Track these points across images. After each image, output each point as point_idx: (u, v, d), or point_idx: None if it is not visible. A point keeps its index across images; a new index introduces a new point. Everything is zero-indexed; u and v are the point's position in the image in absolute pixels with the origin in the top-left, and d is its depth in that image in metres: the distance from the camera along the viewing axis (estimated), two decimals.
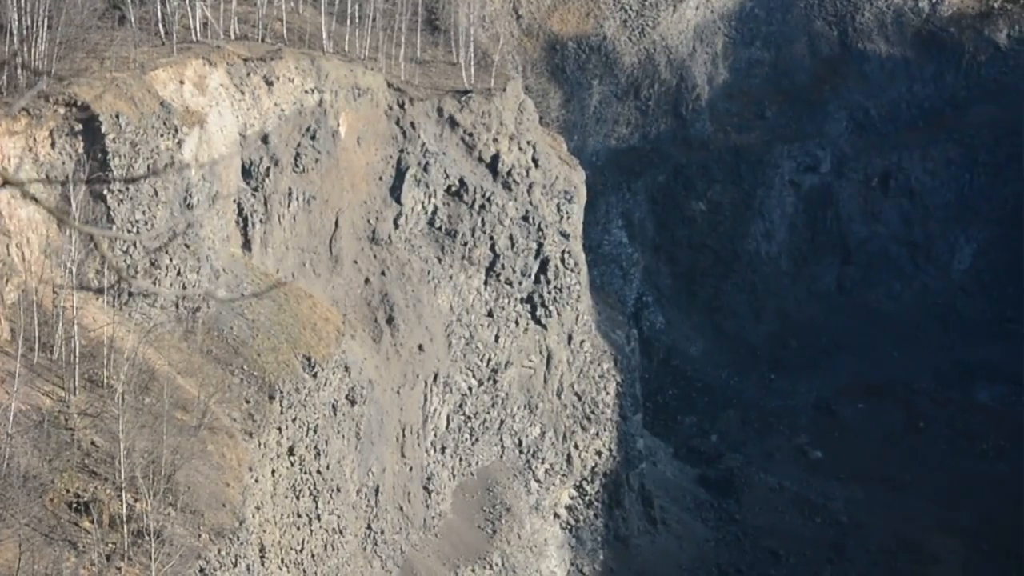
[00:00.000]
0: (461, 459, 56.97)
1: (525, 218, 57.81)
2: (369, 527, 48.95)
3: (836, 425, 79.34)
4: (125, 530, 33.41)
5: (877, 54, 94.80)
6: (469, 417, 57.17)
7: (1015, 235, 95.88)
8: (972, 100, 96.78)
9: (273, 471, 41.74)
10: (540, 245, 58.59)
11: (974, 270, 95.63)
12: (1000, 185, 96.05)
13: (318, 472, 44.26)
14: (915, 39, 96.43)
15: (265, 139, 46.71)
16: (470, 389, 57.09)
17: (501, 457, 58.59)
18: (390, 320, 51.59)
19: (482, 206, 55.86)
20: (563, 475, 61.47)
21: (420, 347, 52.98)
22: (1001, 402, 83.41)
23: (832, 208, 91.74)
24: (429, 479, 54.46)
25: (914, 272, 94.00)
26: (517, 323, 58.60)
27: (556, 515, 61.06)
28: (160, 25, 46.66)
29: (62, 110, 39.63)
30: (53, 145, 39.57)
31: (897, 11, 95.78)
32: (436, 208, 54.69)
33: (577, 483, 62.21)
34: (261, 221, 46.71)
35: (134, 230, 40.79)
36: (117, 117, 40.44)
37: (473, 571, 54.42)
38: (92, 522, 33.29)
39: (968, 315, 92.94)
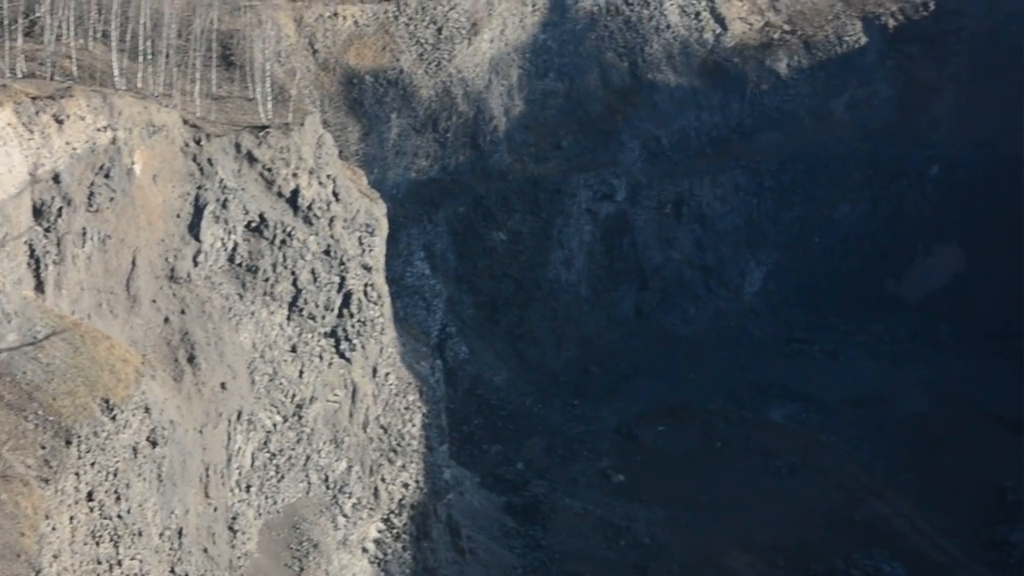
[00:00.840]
0: (267, 497, 56.37)
1: (327, 252, 57.65)
2: (173, 571, 48.03)
3: (637, 448, 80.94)
4: None
5: (666, 84, 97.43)
6: (274, 454, 56.63)
7: (801, 258, 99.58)
8: (757, 128, 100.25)
9: (71, 518, 40.67)
10: (343, 279, 58.49)
11: (764, 292, 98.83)
12: (786, 209, 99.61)
13: (119, 516, 43.28)
14: (701, 69, 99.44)
15: (56, 178, 45.62)
16: (275, 426, 56.55)
17: (307, 493, 58.16)
18: (191, 359, 50.81)
19: (283, 241, 55.52)
20: (370, 509, 61.32)
21: (223, 385, 52.29)
22: (792, 420, 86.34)
23: (628, 235, 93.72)
24: (234, 519, 53.73)
25: (707, 296, 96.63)
26: (321, 358, 58.32)
27: (364, 549, 60.84)
28: None
29: None
30: None
31: (683, 42, 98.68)
32: (236, 244, 54.12)
33: (384, 516, 62.10)
34: (54, 262, 45.56)
35: None
36: None
37: None
38: None
39: (759, 336, 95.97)
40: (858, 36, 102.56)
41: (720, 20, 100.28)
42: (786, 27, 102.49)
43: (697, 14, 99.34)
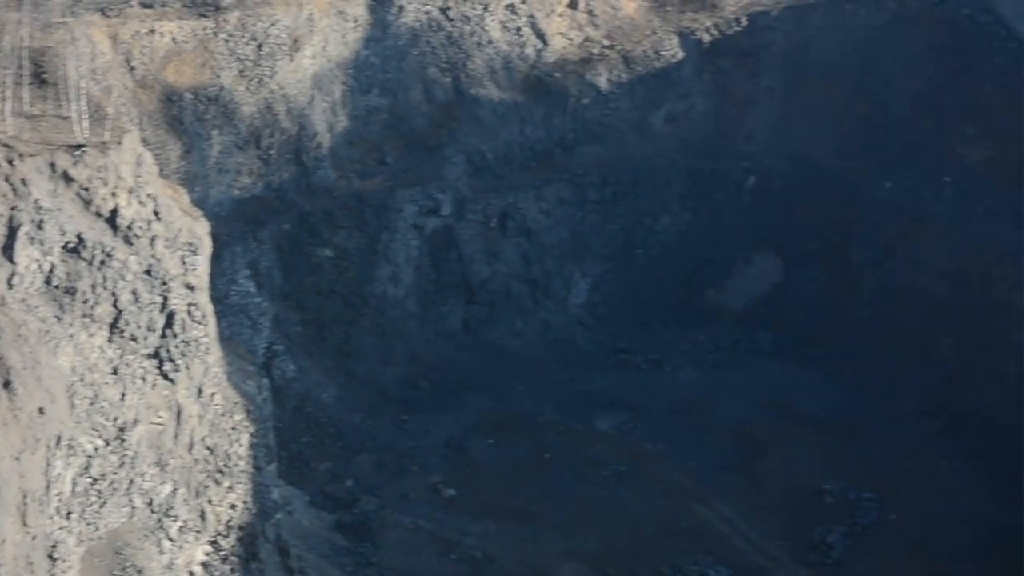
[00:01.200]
0: (88, 523, 55.11)
1: (148, 272, 56.72)
2: None
3: (467, 462, 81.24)
4: None
5: (489, 99, 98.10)
6: (96, 479, 55.41)
7: (625, 269, 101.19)
8: (579, 141, 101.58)
9: None
10: (165, 299, 57.59)
11: (589, 304, 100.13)
12: (609, 221, 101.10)
13: None
14: (524, 84, 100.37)
15: None
16: (96, 450, 55.34)
17: (131, 518, 57.02)
18: (7, 384, 49.47)
19: (102, 262, 54.44)
20: (197, 532, 60.41)
21: (40, 410, 51.02)
22: (619, 429, 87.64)
23: (455, 249, 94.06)
24: (54, 547, 52.42)
25: (534, 308, 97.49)
26: (144, 379, 57.31)
27: (191, 573, 59.85)
28: None
29: None
30: None
31: (505, 57, 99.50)
32: (53, 266, 52.93)
33: (212, 539, 61.24)
34: None
35: None
36: None
37: None
38: None
39: (586, 347, 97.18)
40: (675, 51, 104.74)
41: (541, 35, 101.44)
42: (605, 42, 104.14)
43: (518, 29, 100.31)
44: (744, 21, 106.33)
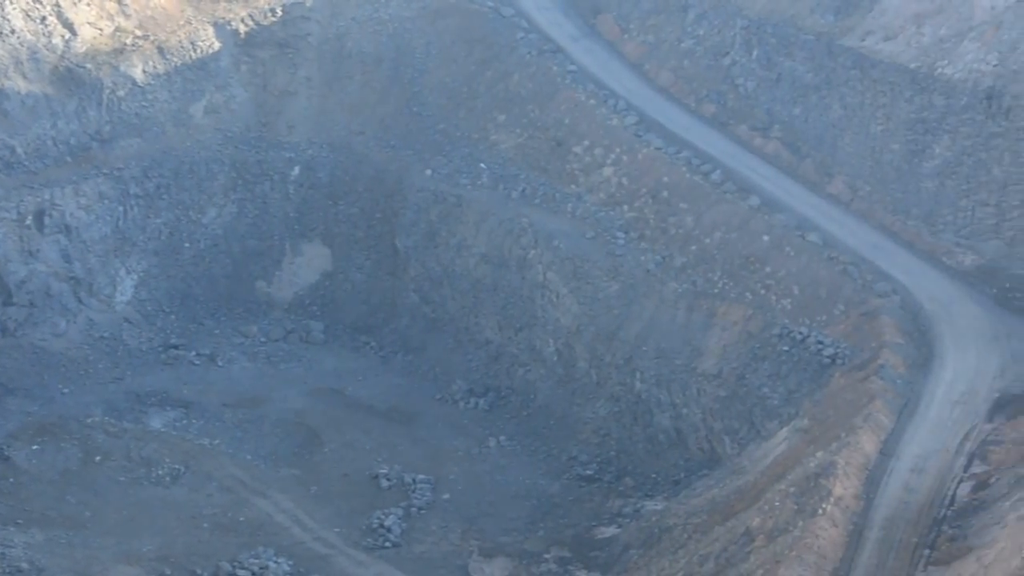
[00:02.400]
0: None
1: None
2: None
3: (11, 470, 77.47)
4: None
5: (16, 91, 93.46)
6: None
7: (172, 264, 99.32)
8: (117, 134, 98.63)
9: None
10: None
11: (137, 300, 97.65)
12: (154, 216, 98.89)
13: None
14: (53, 76, 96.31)
15: None
16: None
17: None
18: None
19: None
20: None
21: None
22: (173, 427, 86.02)
23: None
24: None
25: (78, 307, 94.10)
26: None
27: None
28: None
29: None
30: None
31: (31, 48, 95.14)
32: None
33: None
34: None
35: None
36: None
37: None
38: None
39: (135, 345, 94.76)
40: (211, 41, 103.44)
41: (68, 25, 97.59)
42: (138, 32, 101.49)
43: (43, 18, 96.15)
44: (279, 11, 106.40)
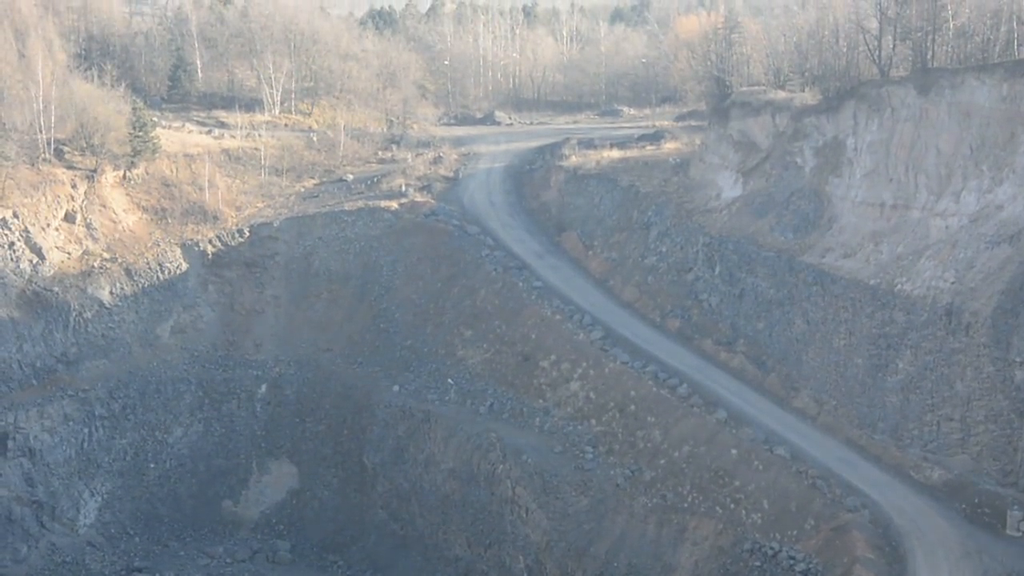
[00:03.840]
0: None
1: None
2: None
3: None
4: None
5: None
6: None
7: (137, 484, 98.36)
8: (83, 356, 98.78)
9: None
10: None
11: (100, 523, 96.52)
12: (119, 436, 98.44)
13: None
14: (20, 300, 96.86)
15: None
16: None
17: None
18: None
19: None
20: None
21: None
22: None
23: None
24: None
25: (40, 532, 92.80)
26: None
27: None
28: None
29: None
30: None
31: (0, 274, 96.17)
32: None
33: None
34: None
35: None
36: None
37: None
38: None
39: (98, 569, 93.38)
40: (178, 262, 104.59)
41: (36, 250, 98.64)
42: (106, 255, 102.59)
43: (12, 244, 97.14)
44: (247, 232, 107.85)
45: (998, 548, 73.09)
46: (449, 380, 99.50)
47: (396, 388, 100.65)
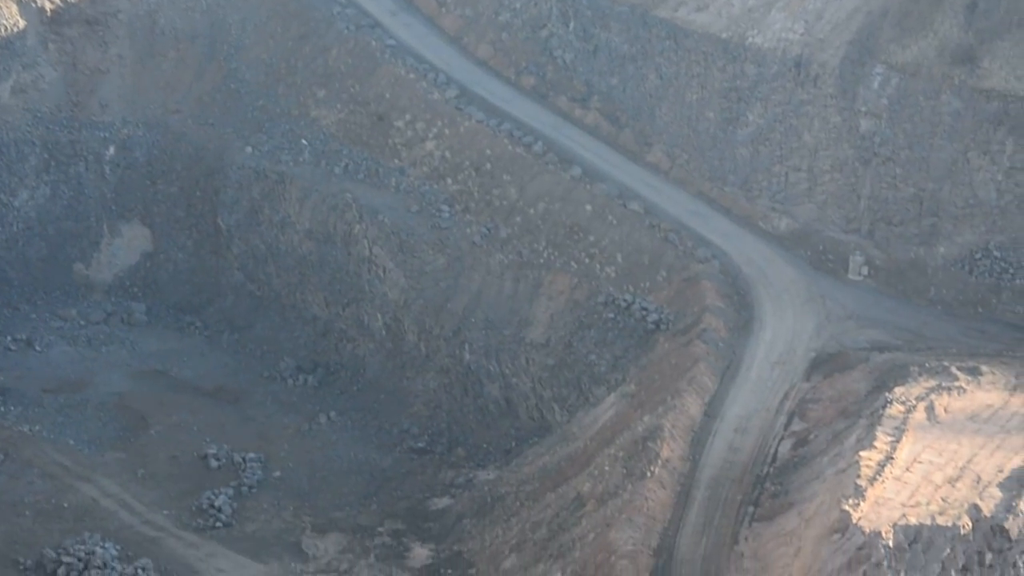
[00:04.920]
0: None
1: None
2: None
3: None
4: None
5: None
6: None
7: None
8: None
9: None
10: None
11: None
12: None
13: None
14: None
15: None
16: None
17: None
18: None
19: None
20: None
21: None
22: None
23: None
24: None
25: None
26: None
27: None
28: None
29: None
30: None
31: None
32: None
33: None
34: None
35: None
36: None
37: None
38: None
39: None
40: (15, 20, 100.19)
41: None
42: None
43: None
44: None
45: (840, 292, 75.79)
46: (303, 141, 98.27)
47: (249, 149, 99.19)
